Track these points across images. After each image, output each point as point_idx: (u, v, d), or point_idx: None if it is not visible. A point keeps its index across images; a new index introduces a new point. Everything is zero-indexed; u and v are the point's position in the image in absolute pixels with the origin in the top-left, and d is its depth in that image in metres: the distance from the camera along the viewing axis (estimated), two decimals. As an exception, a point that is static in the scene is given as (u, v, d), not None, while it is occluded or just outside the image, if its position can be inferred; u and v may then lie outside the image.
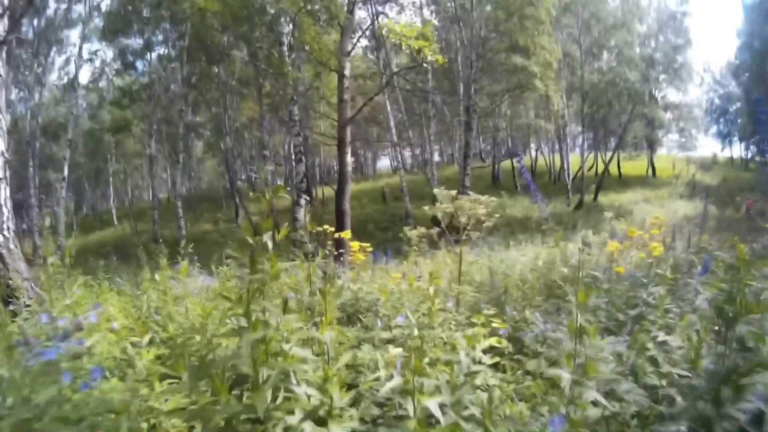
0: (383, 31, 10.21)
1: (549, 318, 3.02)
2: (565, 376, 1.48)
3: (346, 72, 10.72)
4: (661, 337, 2.22)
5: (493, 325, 2.57)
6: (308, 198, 13.12)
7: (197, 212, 24.21)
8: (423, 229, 5.91)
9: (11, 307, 2.26)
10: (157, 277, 2.83)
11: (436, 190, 3.80)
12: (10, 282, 3.01)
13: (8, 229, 3.24)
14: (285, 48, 11.93)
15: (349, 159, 10.80)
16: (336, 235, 4.07)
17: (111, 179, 29.10)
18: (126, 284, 3.95)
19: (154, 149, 18.79)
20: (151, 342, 2.27)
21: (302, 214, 11.78)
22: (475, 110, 18.21)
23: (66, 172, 16.70)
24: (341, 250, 5.76)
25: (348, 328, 2.92)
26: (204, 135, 23.14)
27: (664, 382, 1.94)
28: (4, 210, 3.27)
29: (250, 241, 1.47)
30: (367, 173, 37.91)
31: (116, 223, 26.63)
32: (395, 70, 17.16)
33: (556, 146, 30.67)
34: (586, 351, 1.52)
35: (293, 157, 13.66)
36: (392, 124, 20.06)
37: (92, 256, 11.47)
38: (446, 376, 1.74)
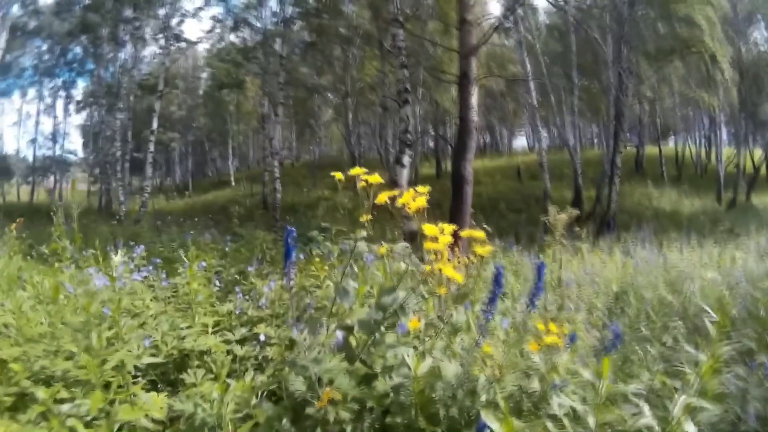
0: None
1: None
2: None
3: (470, -18, 8.18)
4: None
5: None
6: (412, 153, 9.94)
7: (318, 178, 24.15)
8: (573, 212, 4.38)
9: None
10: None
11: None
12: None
13: None
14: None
15: (475, 102, 7.88)
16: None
17: (230, 140, 30.08)
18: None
19: (267, 109, 18.38)
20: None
21: (404, 177, 8.96)
22: (631, 71, 15.11)
23: (154, 126, 16.21)
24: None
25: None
26: (326, 97, 22.39)
27: None
28: None
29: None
30: (502, 151, 34.94)
31: (233, 184, 27.86)
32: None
33: (704, 133, 26.40)
34: None
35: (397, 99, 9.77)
36: (532, 87, 17.21)
37: (188, 217, 11.38)
38: None
